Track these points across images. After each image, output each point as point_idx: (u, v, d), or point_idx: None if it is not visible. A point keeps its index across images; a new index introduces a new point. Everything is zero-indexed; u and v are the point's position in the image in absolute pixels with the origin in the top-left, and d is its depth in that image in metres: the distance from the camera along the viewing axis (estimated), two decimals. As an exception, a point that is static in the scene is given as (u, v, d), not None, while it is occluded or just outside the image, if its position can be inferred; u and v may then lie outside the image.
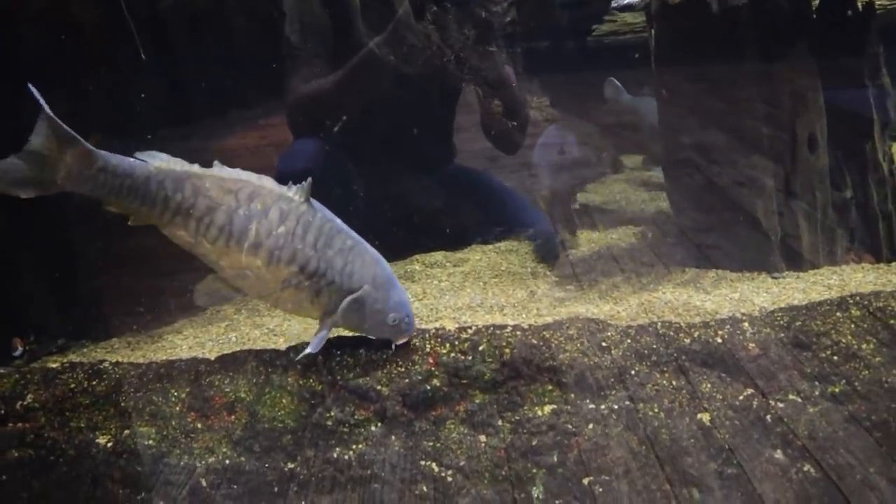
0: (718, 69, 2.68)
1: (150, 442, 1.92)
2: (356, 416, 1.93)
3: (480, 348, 1.95)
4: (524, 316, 2.28)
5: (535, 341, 1.96)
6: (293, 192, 1.93)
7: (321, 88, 3.16)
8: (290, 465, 1.88)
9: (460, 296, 2.51)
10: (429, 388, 1.92)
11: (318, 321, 1.97)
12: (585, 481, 1.82)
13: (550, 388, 1.93)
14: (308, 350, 1.91)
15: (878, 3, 4.71)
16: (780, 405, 1.87)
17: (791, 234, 2.64)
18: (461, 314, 2.33)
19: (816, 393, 1.88)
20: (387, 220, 3.09)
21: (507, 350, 1.94)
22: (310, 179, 1.94)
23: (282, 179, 1.95)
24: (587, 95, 4.72)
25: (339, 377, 1.95)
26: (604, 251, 2.91)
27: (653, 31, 2.91)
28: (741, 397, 1.88)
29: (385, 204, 3.16)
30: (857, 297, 2.01)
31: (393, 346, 1.96)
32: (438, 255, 2.96)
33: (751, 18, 2.64)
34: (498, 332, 1.99)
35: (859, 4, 2.73)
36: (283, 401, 1.94)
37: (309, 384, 1.95)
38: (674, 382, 1.90)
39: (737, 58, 2.66)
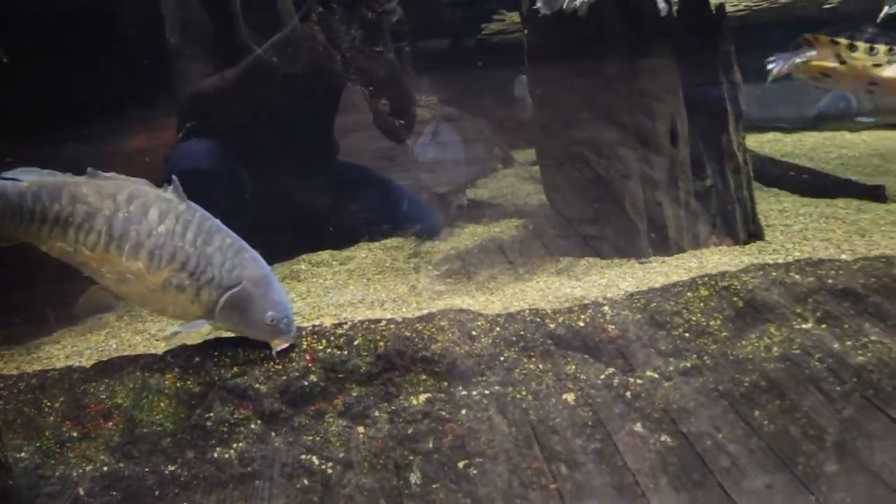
0: (586, 68, 2.82)
1: (24, 455, 1.89)
2: (235, 415, 1.95)
3: (356, 343, 2.01)
4: (404, 310, 2.35)
5: (407, 334, 2.03)
6: (170, 192, 1.95)
7: (205, 90, 3.16)
8: (171, 468, 1.89)
9: (343, 293, 2.56)
10: (306, 383, 1.97)
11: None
12: (461, 465, 1.91)
13: (424, 377, 2.00)
14: (177, 328, 1.94)
15: (732, 6, 5.04)
16: (639, 381, 2.01)
17: (658, 222, 2.81)
18: (343, 311, 2.38)
19: (671, 368, 2.02)
20: (274, 219, 3.11)
21: (382, 343, 2.01)
22: (176, 179, 1.96)
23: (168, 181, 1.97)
24: (478, 92, 4.84)
25: (216, 377, 1.98)
26: (486, 244, 3.02)
27: (526, 32, 3.03)
28: (602, 376, 2.00)
29: (272, 204, 3.17)
30: (706, 278, 2.18)
31: (273, 353, 1.98)
32: (325, 254, 3.00)
33: (616, 20, 2.79)
34: (373, 326, 2.05)
35: (713, 7, 2.92)
36: (161, 404, 1.94)
37: (187, 386, 1.96)
38: (540, 366, 2.01)
39: (603, 57, 2.80)
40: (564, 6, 2.47)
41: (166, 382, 1.96)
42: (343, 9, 3.27)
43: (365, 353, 2.00)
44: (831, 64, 1.87)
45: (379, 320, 2.08)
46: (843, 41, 1.83)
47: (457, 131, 4.27)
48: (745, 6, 5.15)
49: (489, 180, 4.16)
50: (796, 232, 2.90)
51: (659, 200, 2.80)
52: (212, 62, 3.22)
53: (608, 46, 2.79)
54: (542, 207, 3.38)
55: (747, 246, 2.83)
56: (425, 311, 2.14)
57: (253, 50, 3.18)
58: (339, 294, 2.56)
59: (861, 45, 1.80)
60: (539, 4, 2.63)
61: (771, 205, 3.39)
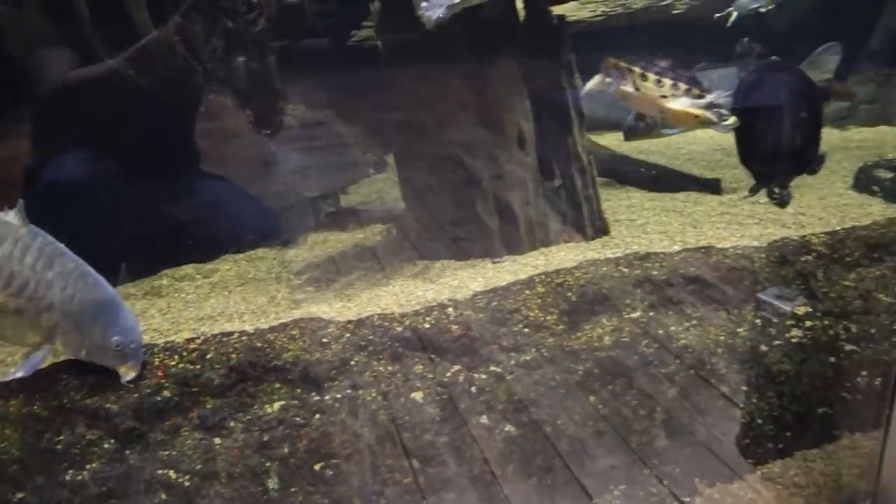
0: (438, 76, 2.94)
1: None
2: (87, 437, 1.96)
3: (209, 356, 2.05)
4: (262, 321, 2.40)
5: (259, 344, 2.09)
6: (9, 216, 1.92)
7: (58, 101, 3.10)
8: (20, 495, 1.88)
9: (204, 307, 2.58)
10: (160, 399, 1.99)
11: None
12: (317, 467, 1.99)
13: (278, 385, 2.07)
14: (17, 373, 1.92)
15: (590, 12, 5.32)
16: (483, 376, 2.14)
17: (511, 222, 2.96)
18: (202, 325, 2.41)
19: (512, 362, 2.17)
20: (136, 234, 3.09)
21: (234, 355, 2.05)
22: (21, 201, 1.94)
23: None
24: (351, 97, 4.89)
25: (66, 400, 1.97)
26: (349, 250, 3.09)
27: (379, 40, 3.12)
28: (448, 374, 2.12)
29: (133, 218, 3.14)
30: (543, 276, 2.34)
31: (123, 381, 1.98)
32: (189, 268, 3.00)
33: (463, 28, 2.92)
34: (225, 339, 2.10)
35: (555, 17, 3.10)
36: (6, 431, 1.92)
37: (34, 411, 1.95)
38: (389, 368, 2.11)
39: (454, 65, 2.93)
40: (423, 19, 2.54)
41: (11, 409, 1.94)
42: (204, 19, 3.26)
43: (218, 366, 2.04)
44: (628, 89, 2.06)
45: (231, 333, 2.13)
46: (637, 70, 2.01)
47: (329, 136, 4.33)
48: (602, 12, 5.42)
49: (361, 186, 4.22)
50: (638, 226, 3.13)
51: (510, 202, 2.96)
52: (62, 73, 3.16)
53: (456, 54, 2.92)
54: (408, 211, 3.48)
55: (593, 241, 3.03)
56: (278, 322, 2.19)
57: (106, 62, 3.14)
58: (199, 308, 2.58)
59: (651, 76, 1.98)
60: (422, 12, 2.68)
61: (621, 201, 3.62)
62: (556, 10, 3.12)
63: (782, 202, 2.18)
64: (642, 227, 3.09)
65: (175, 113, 3.37)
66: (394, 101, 3.15)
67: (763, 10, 4.22)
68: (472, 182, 2.91)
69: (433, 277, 2.66)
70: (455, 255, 2.92)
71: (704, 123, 2.25)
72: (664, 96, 1.98)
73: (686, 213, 3.30)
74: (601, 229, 3.13)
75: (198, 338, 2.11)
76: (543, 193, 3.07)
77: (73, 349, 1.98)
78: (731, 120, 2.05)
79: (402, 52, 3.00)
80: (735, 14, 4.09)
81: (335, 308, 2.44)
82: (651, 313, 2.31)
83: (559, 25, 3.11)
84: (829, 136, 4.87)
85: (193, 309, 2.59)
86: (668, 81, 2.00)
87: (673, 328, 2.29)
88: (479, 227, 2.93)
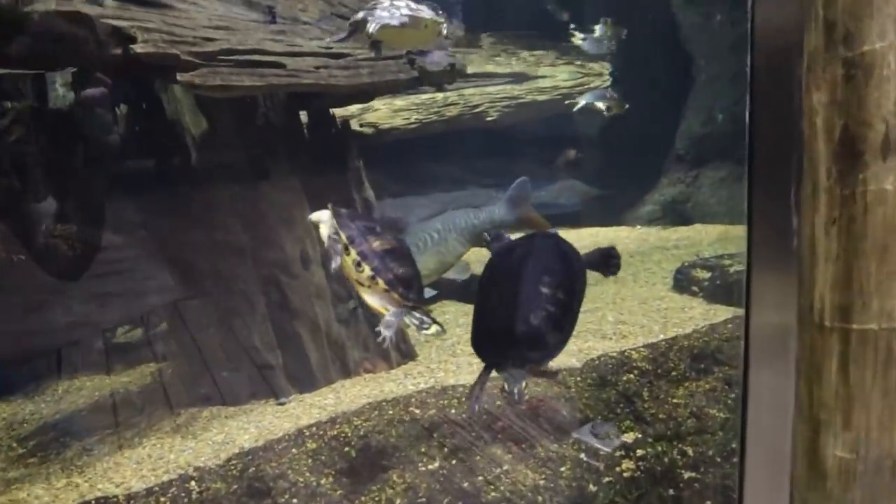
0: (205, 191, 2.53)
1: None
2: None
3: None
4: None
5: None
6: None
7: None
8: None
9: None
10: None
11: None
12: None
13: None
14: None
15: (403, 119, 5.18)
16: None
17: (299, 354, 2.53)
18: None
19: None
20: None
21: None
22: None
23: None
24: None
25: None
26: (102, 401, 2.53)
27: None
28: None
29: None
30: (315, 427, 1.90)
31: None
32: None
33: (237, 139, 2.55)
34: None
35: (338, 123, 2.81)
36: None
37: None
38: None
39: (222, 179, 2.53)
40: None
41: None
42: None
43: None
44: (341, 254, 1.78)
45: None
46: (344, 240, 1.75)
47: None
48: (416, 119, 5.28)
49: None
50: (447, 347, 2.78)
51: (296, 331, 2.53)
52: None
53: (226, 167, 2.54)
54: (187, 346, 2.96)
55: (397, 368, 2.65)
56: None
57: None
58: None
59: (352, 253, 1.70)
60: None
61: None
62: (369, 118, 2.84)
63: (516, 400, 1.80)
64: (451, 348, 2.75)
65: None
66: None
67: (604, 110, 4.30)
68: (244, 314, 2.48)
69: (196, 432, 2.16)
70: (232, 399, 2.43)
71: None
72: (361, 283, 1.70)
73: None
74: (407, 353, 2.76)
75: None
76: (338, 318, 2.67)
77: None
78: (433, 329, 1.75)
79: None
80: (581, 103, 4.15)
81: (54, 488, 1.87)
82: (454, 461, 1.92)
83: (344, 131, 2.82)
84: (648, 237, 4.86)
85: None
86: (367, 268, 1.69)
87: (481, 478, 1.90)
88: (259, 363, 2.47)
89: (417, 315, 1.73)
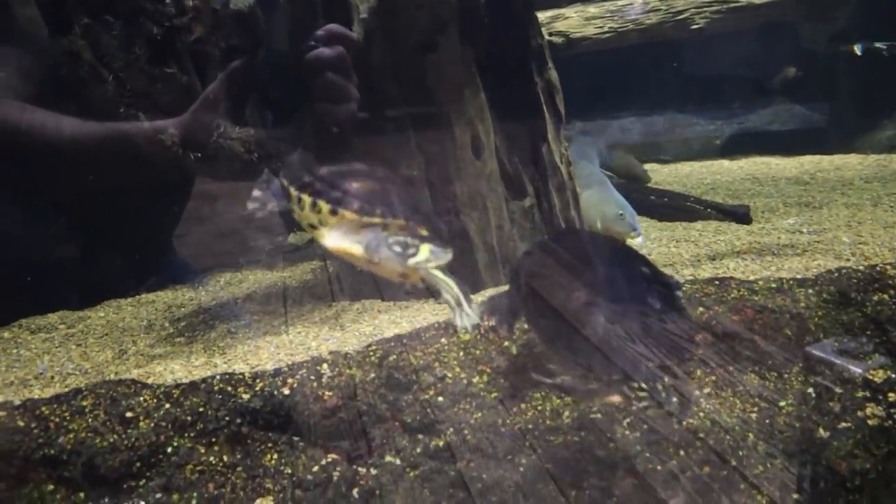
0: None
1: None
2: None
3: (-62, 442, 1.34)
4: (83, 383, 1.68)
5: (22, 423, 1.37)
6: None
7: None
8: None
9: (31, 366, 1.89)
10: None
11: None
12: None
13: (51, 488, 1.34)
14: None
15: (596, 29, 4.68)
16: (372, 473, 1.38)
17: (465, 252, 2.24)
18: (7, 391, 1.70)
19: (418, 450, 1.41)
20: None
21: (-21, 439, 1.34)
22: None
23: None
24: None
25: None
26: (263, 291, 2.40)
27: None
28: (316, 468, 1.37)
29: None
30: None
31: None
32: (54, 317, 2.32)
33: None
34: (-23, 414, 1.39)
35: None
36: None
37: None
38: (225, 458, 1.37)
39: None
40: None
41: None
42: (121, 22, 2.68)
43: (-49, 458, 1.32)
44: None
45: (-5, 404, 1.41)
46: (293, 193, 1.44)
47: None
48: (610, 28, 4.77)
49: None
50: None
51: (463, 226, 2.23)
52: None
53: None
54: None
55: (576, 278, 2.28)
56: (71, 388, 1.48)
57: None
58: (23, 368, 1.88)
59: (306, 198, 1.38)
60: None
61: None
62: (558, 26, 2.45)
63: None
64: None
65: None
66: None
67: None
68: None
69: (345, 323, 1.93)
70: (389, 295, 2.19)
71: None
72: (314, 225, 1.38)
73: (702, 243, 2.54)
74: (588, 263, 2.38)
75: (-65, 413, 1.40)
76: (511, 216, 2.34)
77: None
78: (423, 254, 1.35)
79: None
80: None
81: (191, 365, 1.72)
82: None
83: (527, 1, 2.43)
84: (889, 163, 4.08)
85: (17, 369, 1.89)
86: (323, 205, 1.35)
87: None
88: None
89: (398, 239, 1.36)
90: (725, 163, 4.75)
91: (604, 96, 5.10)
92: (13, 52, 2.68)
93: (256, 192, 1.96)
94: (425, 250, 1.36)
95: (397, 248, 1.38)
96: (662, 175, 4.47)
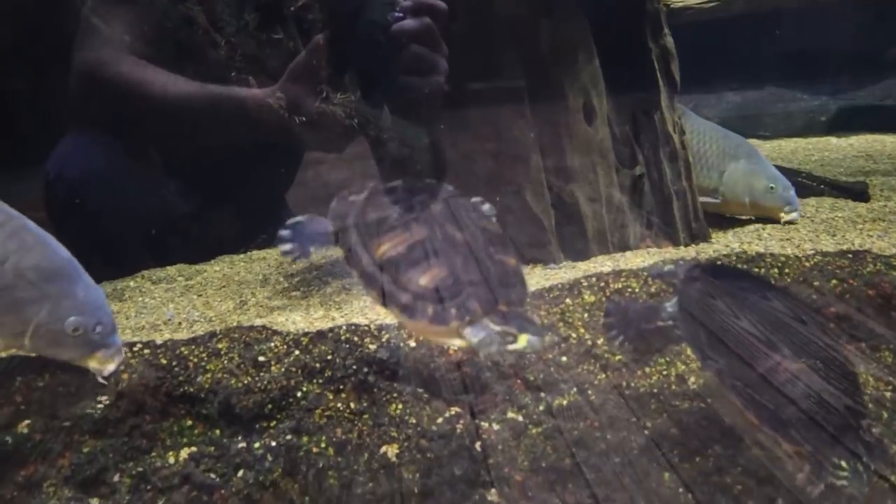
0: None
1: None
2: None
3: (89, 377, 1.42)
4: (209, 329, 1.76)
5: (165, 361, 1.43)
6: None
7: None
8: None
9: (159, 313, 1.98)
10: (10, 439, 1.37)
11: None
12: (233, 551, 1.30)
13: (189, 423, 1.41)
14: None
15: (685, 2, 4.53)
16: (495, 427, 1.40)
17: (574, 221, 2.22)
18: (138, 335, 1.79)
19: (541, 408, 1.41)
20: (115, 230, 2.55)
21: (126, 376, 1.41)
22: None
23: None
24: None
25: None
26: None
27: None
28: (440, 420, 1.40)
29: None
30: (593, 278, 1.58)
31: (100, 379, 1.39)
32: (172, 269, 2.42)
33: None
34: (125, 353, 1.46)
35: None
36: None
37: None
38: (352, 405, 1.41)
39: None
40: None
41: None
42: None
43: (99, 392, 1.40)
44: None
45: (134, 344, 1.49)
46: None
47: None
48: (715, -4, 4.62)
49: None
50: (750, 232, 2.31)
51: (573, 194, 2.21)
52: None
53: None
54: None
55: (687, 248, 2.24)
56: (206, 332, 1.54)
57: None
58: (151, 314, 1.97)
59: None
60: None
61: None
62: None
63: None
64: (756, 233, 2.28)
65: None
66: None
67: None
68: (522, 167, 2.19)
69: (456, 286, 1.94)
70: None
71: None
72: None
73: (819, 219, 2.45)
74: (699, 234, 2.33)
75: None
76: (620, 185, 2.30)
77: (10, 333, 1.36)
78: (522, 343, 1.15)
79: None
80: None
81: (311, 317, 1.77)
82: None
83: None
84: None
85: (145, 315, 1.98)
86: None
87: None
88: (530, 225, 2.19)
89: (496, 328, 1.21)
90: (833, 140, 4.55)
91: (703, 67, 4.95)
92: (136, 16, 2.77)
93: (284, 233, 1.74)
94: (523, 340, 1.21)
95: (499, 340, 1.25)
96: (765, 151, 4.30)
